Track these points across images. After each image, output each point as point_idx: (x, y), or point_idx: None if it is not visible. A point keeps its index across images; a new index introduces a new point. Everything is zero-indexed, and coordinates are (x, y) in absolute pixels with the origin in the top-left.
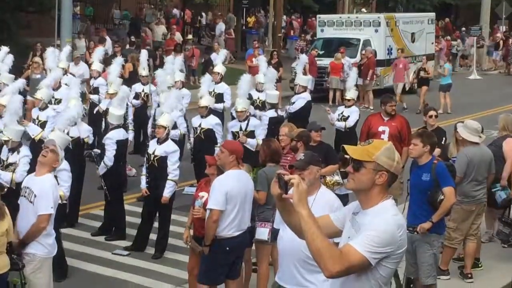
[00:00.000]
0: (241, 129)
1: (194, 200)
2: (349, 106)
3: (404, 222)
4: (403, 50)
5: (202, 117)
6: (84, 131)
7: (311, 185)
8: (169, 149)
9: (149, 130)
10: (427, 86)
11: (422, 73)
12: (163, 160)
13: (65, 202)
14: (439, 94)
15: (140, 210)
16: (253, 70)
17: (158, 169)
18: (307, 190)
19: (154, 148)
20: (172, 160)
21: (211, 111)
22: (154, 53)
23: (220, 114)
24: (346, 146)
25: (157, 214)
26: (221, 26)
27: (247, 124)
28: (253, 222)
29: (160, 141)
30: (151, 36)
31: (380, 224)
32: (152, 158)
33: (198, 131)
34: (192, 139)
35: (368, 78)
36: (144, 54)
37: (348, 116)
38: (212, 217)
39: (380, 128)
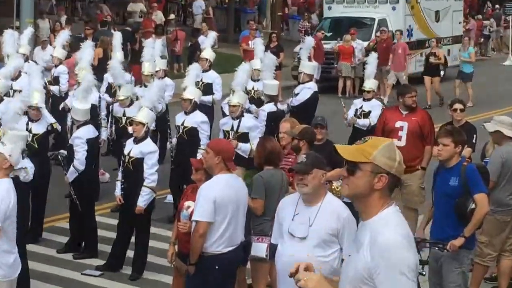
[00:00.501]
0: (232, 128)
1: (179, 211)
2: (369, 99)
3: (408, 230)
4: (402, 32)
5: (186, 113)
6: (49, 119)
7: (315, 192)
8: (146, 149)
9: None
10: (438, 76)
11: (432, 59)
12: (139, 162)
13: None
14: (456, 82)
15: (115, 222)
16: (249, 55)
17: (134, 173)
18: (319, 279)
19: (130, 148)
20: (148, 163)
21: (196, 106)
22: (133, 35)
23: (209, 109)
24: (337, 146)
25: (134, 228)
26: (200, 3)
27: (239, 124)
28: (248, 236)
29: (137, 140)
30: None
31: (390, 255)
32: (127, 160)
33: (181, 130)
34: (174, 140)
35: (389, 63)
36: (118, 36)
37: (369, 112)
38: (198, 231)
39: (398, 124)
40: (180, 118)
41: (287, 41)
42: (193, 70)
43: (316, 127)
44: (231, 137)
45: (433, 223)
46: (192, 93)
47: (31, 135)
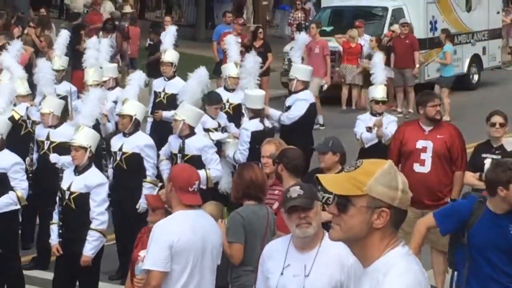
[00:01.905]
0: (180, 149)
1: (133, 262)
2: (380, 113)
3: (420, 277)
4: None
5: (125, 135)
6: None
7: (315, 233)
8: (92, 181)
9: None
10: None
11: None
12: (84, 198)
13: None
14: (435, 88)
15: (49, 277)
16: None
17: (77, 213)
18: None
19: (71, 181)
20: (96, 199)
21: (139, 125)
22: (77, 33)
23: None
24: (321, 177)
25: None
26: None
27: (182, 144)
28: None
29: (79, 170)
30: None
31: None
32: (67, 197)
33: (118, 157)
34: (110, 170)
35: (417, 66)
36: (64, 35)
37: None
38: (150, 283)
39: (419, 144)
40: (117, 142)
41: (276, 38)
42: (136, 80)
43: (322, 154)
44: (178, 161)
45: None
46: (133, 108)
47: None
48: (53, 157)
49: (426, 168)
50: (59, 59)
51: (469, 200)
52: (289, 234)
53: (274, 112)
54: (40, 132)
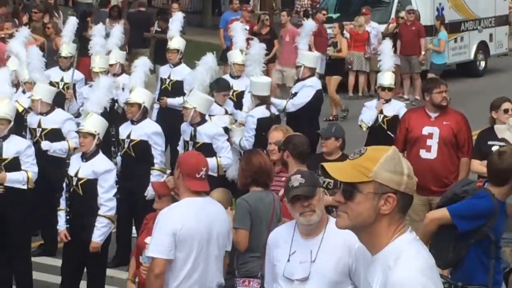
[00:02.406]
0: (191, 137)
1: (138, 247)
2: (388, 100)
3: (429, 260)
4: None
5: (133, 123)
6: None
7: (320, 219)
8: (100, 167)
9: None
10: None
11: (330, 51)
12: (92, 184)
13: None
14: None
15: (57, 263)
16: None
17: (85, 199)
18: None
19: (78, 167)
20: (104, 186)
21: (146, 113)
22: (84, 19)
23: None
24: (327, 165)
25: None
26: None
27: (194, 132)
28: (230, 278)
29: (87, 157)
30: None
31: None
32: (75, 183)
33: (126, 145)
34: (118, 158)
35: (423, 53)
36: (72, 22)
37: (395, 117)
38: (153, 270)
39: (425, 130)
40: (125, 130)
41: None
42: (141, 67)
43: (327, 138)
44: (190, 148)
45: None
46: (140, 95)
47: None
48: (45, 144)
49: (432, 154)
50: (67, 46)
51: (486, 199)
52: (294, 220)
53: (278, 102)
54: (32, 120)
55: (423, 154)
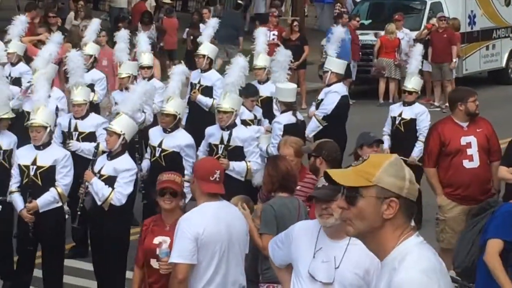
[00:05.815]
0: (222, 141)
1: (145, 254)
2: (410, 103)
3: (435, 262)
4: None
5: (165, 131)
6: None
7: (341, 226)
8: (121, 166)
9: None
10: None
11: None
12: (112, 181)
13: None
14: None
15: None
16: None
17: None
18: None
19: (102, 164)
20: (120, 182)
21: (180, 122)
22: (115, 25)
23: (203, 114)
24: (331, 171)
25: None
26: None
27: (230, 136)
28: (251, 285)
29: (112, 156)
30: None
31: None
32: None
33: (158, 153)
34: (145, 163)
35: (454, 60)
36: (95, 24)
37: (412, 120)
38: (177, 276)
39: (463, 140)
40: (156, 137)
41: (315, 31)
42: (178, 75)
43: (372, 146)
44: (219, 152)
45: None
46: (177, 107)
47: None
48: (74, 145)
49: (475, 163)
50: (88, 46)
51: None
52: None
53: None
54: (64, 122)
55: (467, 164)
